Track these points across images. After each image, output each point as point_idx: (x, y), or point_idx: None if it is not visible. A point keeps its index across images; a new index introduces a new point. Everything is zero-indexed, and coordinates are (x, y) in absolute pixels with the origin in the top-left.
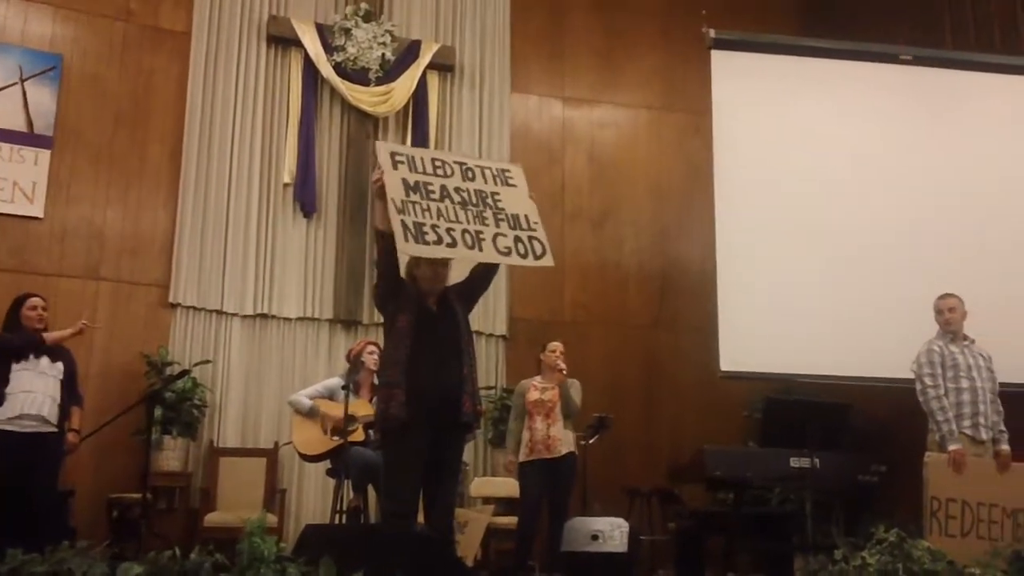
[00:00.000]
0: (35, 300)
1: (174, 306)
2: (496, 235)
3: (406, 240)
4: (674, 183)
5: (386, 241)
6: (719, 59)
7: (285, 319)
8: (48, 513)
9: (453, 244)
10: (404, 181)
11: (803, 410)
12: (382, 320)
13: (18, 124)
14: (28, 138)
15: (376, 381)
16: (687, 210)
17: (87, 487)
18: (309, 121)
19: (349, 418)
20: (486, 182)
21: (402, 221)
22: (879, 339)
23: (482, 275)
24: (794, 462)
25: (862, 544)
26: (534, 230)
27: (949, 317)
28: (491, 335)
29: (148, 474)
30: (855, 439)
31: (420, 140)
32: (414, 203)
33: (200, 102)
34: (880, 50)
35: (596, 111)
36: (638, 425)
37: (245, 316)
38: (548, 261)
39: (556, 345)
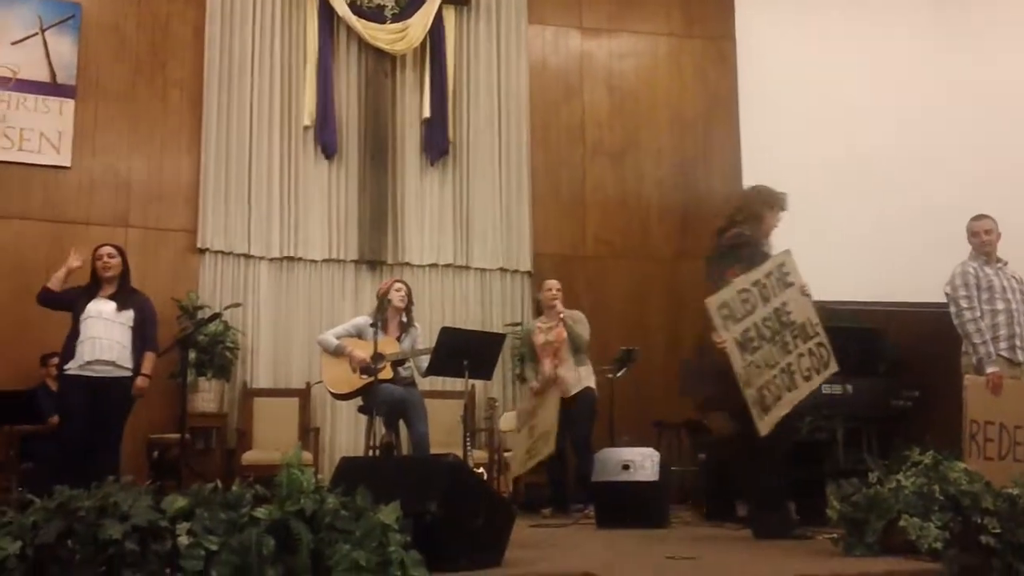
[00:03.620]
0: (101, 249)
1: (202, 251)
2: (799, 357)
3: (761, 420)
4: (695, 112)
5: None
6: None
7: (311, 261)
8: (106, 453)
9: (779, 397)
10: (738, 343)
11: (835, 337)
12: (407, 260)
13: (41, 75)
14: (52, 88)
15: (404, 319)
16: (709, 139)
17: (127, 429)
18: (326, 62)
19: (377, 356)
20: (775, 294)
21: (753, 398)
22: (910, 263)
23: None
24: (826, 389)
25: (896, 468)
26: (818, 334)
27: (985, 239)
28: (515, 271)
29: (185, 415)
30: (887, 364)
31: (438, 77)
32: (750, 365)
33: (218, 46)
34: None
35: (614, 41)
36: (664, 358)
37: (272, 259)
38: (833, 366)
39: (551, 283)
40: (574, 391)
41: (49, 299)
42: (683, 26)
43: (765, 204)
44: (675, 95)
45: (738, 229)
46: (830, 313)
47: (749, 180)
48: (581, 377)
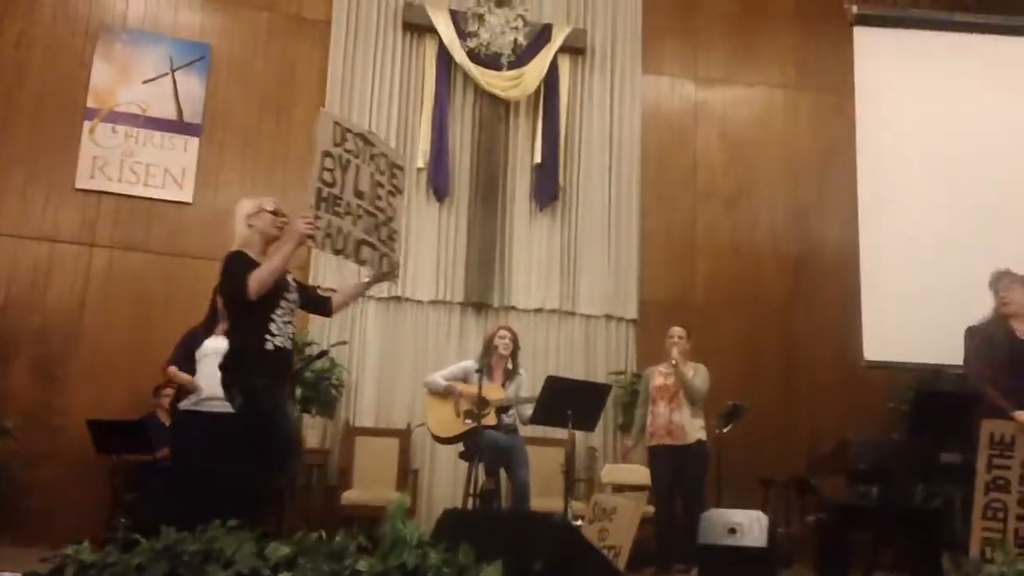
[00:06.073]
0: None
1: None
2: None
3: None
4: (811, 162)
5: None
6: (862, 35)
7: (418, 302)
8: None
9: None
10: None
11: (957, 404)
12: (513, 304)
13: (169, 112)
14: (178, 126)
15: (509, 365)
16: (825, 189)
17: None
18: (442, 106)
19: (482, 401)
20: None
21: None
22: None
23: None
24: (944, 457)
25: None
26: None
27: None
28: (620, 319)
29: None
30: None
31: (551, 123)
32: None
33: (340, 88)
34: None
35: (729, 91)
36: (775, 412)
37: (380, 299)
38: None
39: (674, 331)
40: (689, 441)
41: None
42: (798, 78)
43: None
44: (790, 143)
45: None
46: (946, 377)
47: (865, 235)
48: (697, 428)
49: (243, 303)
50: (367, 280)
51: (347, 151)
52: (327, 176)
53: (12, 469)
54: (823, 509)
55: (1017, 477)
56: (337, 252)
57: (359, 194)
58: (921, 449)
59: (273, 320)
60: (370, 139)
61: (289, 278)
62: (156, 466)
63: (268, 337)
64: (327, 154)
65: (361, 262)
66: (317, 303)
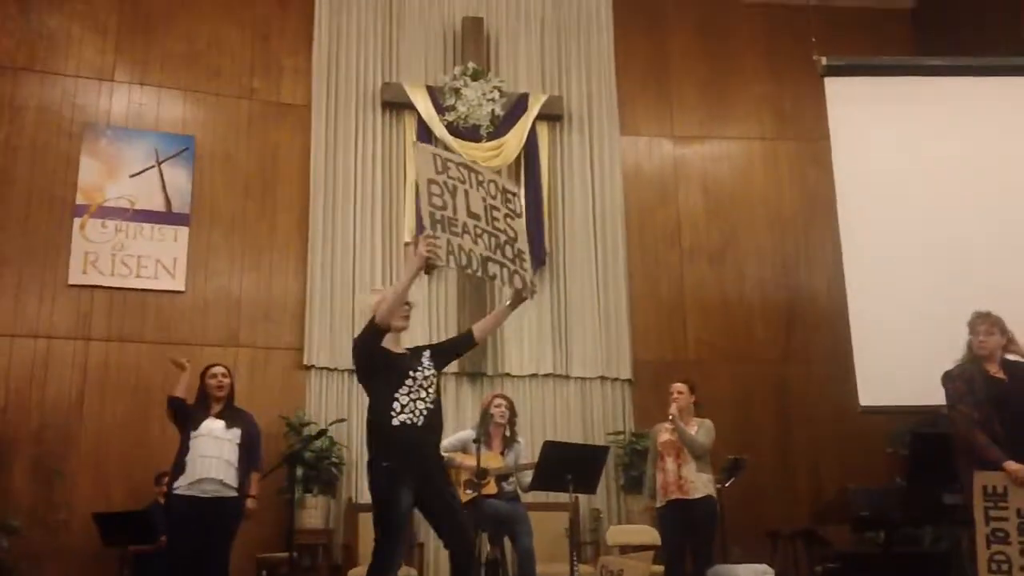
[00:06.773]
0: (215, 369)
1: (308, 368)
2: None
3: None
4: (794, 212)
5: None
6: (833, 85)
7: None
8: (214, 574)
9: None
10: None
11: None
12: (507, 371)
13: (157, 204)
14: (167, 217)
15: (507, 433)
16: (809, 239)
17: (237, 547)
18: None
19: (481, 471)
20: None
21: None
22: None
23: None
24: (948, 499)
25: None
26: None
27: None
28: (616, 379)
29: (292, 533)
30: None
31: (533, 190)
32: None
33: (323, 170)
34: (1006, 63)
35: (707, 146)
36: (773, 464)
37: None
38: None
39: (674, 386)
40: (697, 495)
41: (178, 407)
42: (775, 129)
43: None
44: (772, 195)
45: None
46: (942, 419)
47: (851, 282)
48: (704, 483)
49: (369, 378)
50: (508, 303)
51: (451, 178)
52: (436, 201)
53: (19, 568)
54: (831, 559)
55: (1015, 527)
56: (463, 268)
57: (474, 215)
58: (923, 492)
59: (397, 399)
60: (474, 168)
61: (425, 356)
62: (161, 553)
63: (392, 414)
64: (431, 181)
65: (490, 277)
66: (459, 345)
